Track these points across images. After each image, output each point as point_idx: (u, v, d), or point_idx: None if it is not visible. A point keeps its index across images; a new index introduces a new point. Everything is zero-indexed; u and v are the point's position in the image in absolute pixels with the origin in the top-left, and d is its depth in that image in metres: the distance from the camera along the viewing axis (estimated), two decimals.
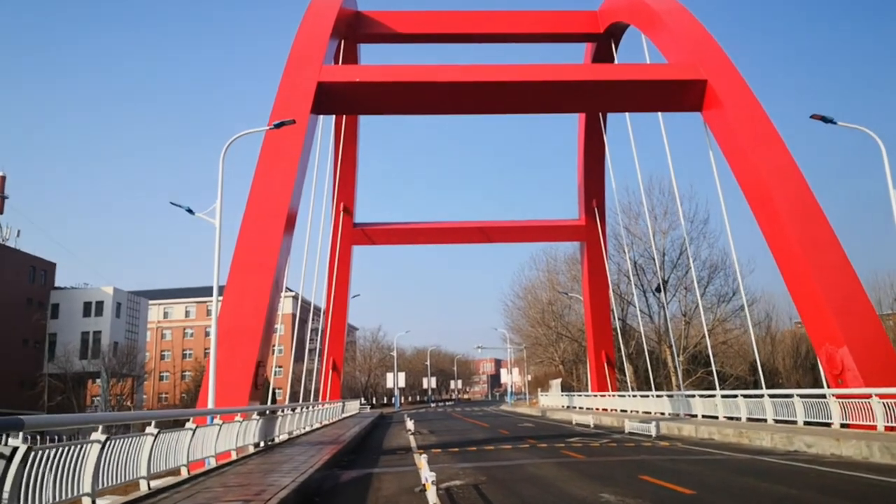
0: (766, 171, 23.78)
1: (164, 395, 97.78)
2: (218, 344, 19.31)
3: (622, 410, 40.49)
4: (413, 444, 24.60)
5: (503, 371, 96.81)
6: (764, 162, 23.97)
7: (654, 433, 23.77)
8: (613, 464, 15.79)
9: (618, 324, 47.83)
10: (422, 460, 12.53)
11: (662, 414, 33.95)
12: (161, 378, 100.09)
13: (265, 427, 19.34)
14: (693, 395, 30.87)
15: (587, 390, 57.25)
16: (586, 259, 44.87)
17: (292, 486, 10.78)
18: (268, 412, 22.28)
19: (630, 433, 25.93)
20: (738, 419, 25.93)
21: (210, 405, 16.94)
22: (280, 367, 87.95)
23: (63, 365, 66.22)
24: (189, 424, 12.17)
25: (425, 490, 12.03)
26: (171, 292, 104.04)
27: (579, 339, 62.00)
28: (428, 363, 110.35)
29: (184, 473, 11.93)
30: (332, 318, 40.75)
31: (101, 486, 8.37)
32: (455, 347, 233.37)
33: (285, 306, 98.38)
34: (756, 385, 47.95)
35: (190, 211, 17.68)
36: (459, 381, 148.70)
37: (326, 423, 34.89)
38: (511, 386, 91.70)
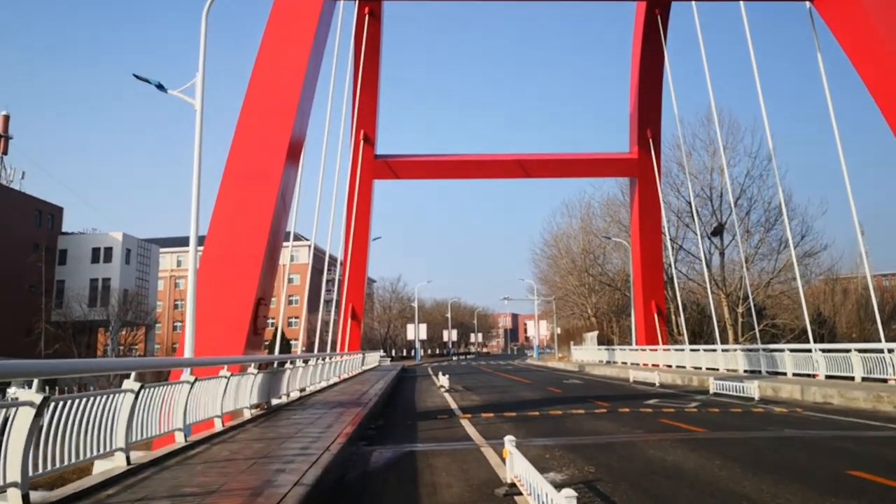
0: None
1: (177, 345, 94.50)
2: (200, 276, 14.66)
3: (678, 366, 35.69)
4: (453, 404, 20.01)
5: (530, 324, 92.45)
6: None
7: (756, 395, 18.95)
8: (769, 444, 10.95)
9: (674, 272, 42.63)
10: (509, 446, 7.78)
11: (735, 371, 29.16)
12: (174, 328, 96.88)
13: (267, 384, 14.73)
14: (781, 350, 25.96)
15: (627, 344, 52.61)
16: (637, 197, 39.58)
17: (294, 495, 6.07)
18: (276, 364, 17.71)
19: (716, 394, 21.19)
20: (850, 378, 21.10)
21: (187, 355, 12.27)
22: (296, 317, 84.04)
23: (64, 312, 62.78)
24: (129, 382, 7.45)
25: (515, 493, 7.32)
26: (185, 240, 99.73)
27: (622, 289, 57.12)
28: (449, 315, 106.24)
29: (120, 464, 7.27)
30: (352, 258, 36.04)
31: None
32: (474, 300, 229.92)
33: (300, 256, 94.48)
34: (823, 339, 43.10)
35: (161, 87, 12.75)
36: (480, 335, 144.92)
37: (345, 376, 30.48)
38: (537, 339, 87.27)
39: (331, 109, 25.11)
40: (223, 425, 11.25)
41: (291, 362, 18.63)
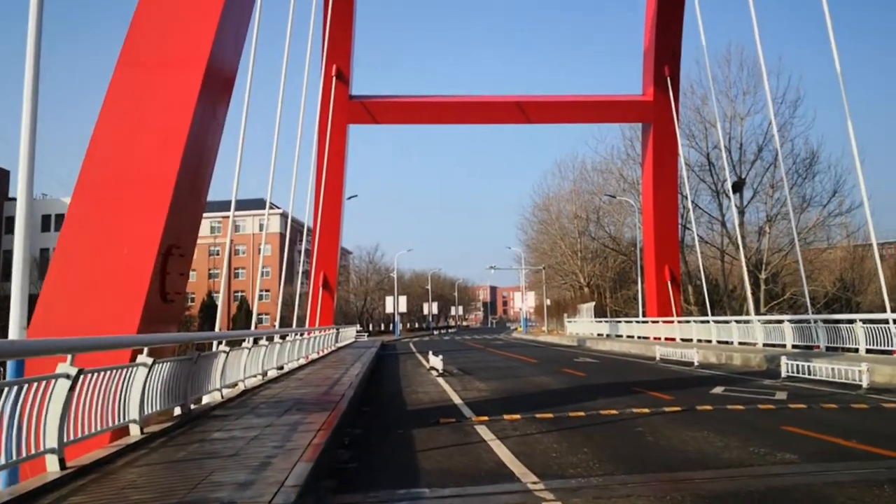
0: None
1: None
2: (72, 209, 9.40)
3: (700, 341, 30.99)
4: (455, 398, 14.88)
5: (516, 296, 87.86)
6: None
7: (865, 382, 14.08)
8: None
9: (695, 234, 37.76)
10: None
11: (782, 346, 24.50)
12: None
13: (185, 377, 9.48)
14: (851, 321, 21.20)
15: (626, 315, 48.03)
16: (651, 147, 34.50)
17: None
18: (215, 345, 12.40)
19: (790, 377, 16.38)
20: None
21: (13, 335, 6.95)
22: (267, 290, 78.49)
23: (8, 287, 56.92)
24: None
25: None
26: None
27: (628, 253, 52.38)
28: (429, 287, 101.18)
29: None
30: (323, 218, 30.72)
31: None
32: (454, 272, 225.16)
33: (270, 225, 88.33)
34: (850, 306, 38.79)
35: None
36: (461, 308, 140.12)
37: (314, 357, 25.34)
38: (524, 312, 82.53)
39: (293, 16, 19.51)
40: (60, 467, 6.02)
41: (231, 343, 13.33)
